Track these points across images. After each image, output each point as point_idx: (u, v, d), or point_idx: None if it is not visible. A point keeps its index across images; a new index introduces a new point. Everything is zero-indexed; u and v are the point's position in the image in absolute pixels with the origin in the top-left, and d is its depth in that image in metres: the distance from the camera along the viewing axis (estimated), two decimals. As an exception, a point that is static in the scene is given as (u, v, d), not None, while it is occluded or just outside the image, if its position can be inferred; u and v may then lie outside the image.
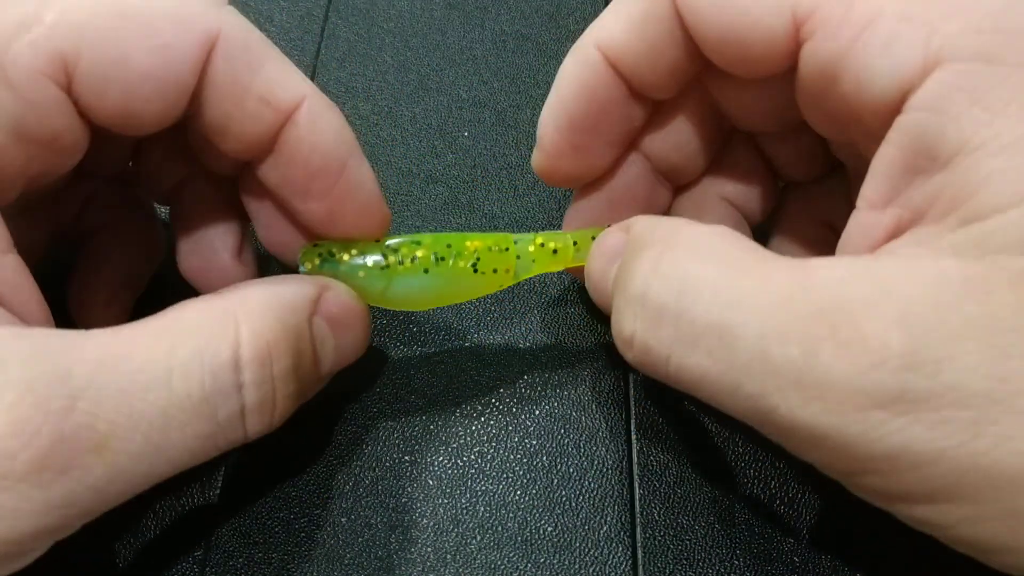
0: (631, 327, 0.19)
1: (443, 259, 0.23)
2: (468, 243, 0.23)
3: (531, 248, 0.24)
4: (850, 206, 0.19)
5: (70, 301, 0.24)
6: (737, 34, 0.19)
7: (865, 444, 0.15)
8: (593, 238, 0.23)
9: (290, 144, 0.21)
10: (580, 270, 0.24)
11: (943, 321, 0.15)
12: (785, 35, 0.18)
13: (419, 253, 0.23)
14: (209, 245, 0.24)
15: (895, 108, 0.17)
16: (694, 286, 0.18)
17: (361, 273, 0.23)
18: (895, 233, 0.18)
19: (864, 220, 0.18)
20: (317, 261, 0.23)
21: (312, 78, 0.31)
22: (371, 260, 0.23)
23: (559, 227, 0.27)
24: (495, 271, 0.23)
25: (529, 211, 0.29)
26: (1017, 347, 0.15)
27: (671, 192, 0.25)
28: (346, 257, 0.23)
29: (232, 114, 0.20)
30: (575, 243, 0.24)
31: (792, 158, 0.24)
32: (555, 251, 0.24)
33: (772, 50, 0.19)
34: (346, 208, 0.22)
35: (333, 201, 0.22)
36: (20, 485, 0.16)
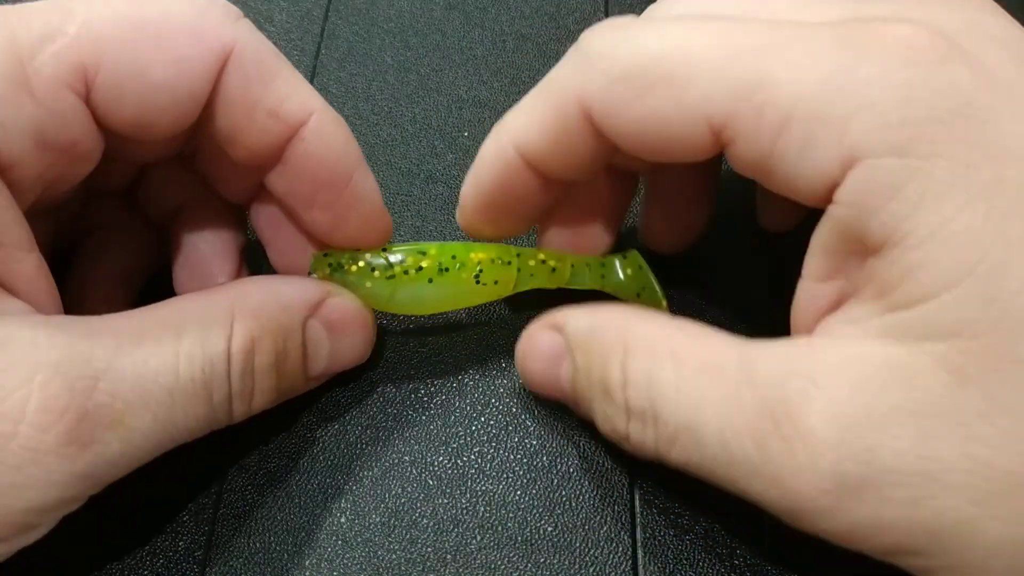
0: (624, 430, 0.21)
1: (447, 270, 0.24)
2: (472, 255, 0.24)
3: (531, 263, 0.24)
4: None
5: (69, 298, 0.24)
6: (658, 145, 0.19)
7: (823, 522, 0.17)
8: (588, 265, 0.25)
9: (297, 157, 0.22)
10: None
11: (871, 410, 0.16)
12: (705, 142, 0.19)
13: (424, 264, 0.23)
14: (206, 270, 0.24)
15: (825, 198, 0.18)
16: (660, 391, 0.19)
17: (368, 283, 0.24)
18: (838, 303, 0.19)
19: (809, 290, 0.19)
20: (327, 271, 0.24)
21: (312, 78, 0.31)
22: (377, 271, 0.23)
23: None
24: (496, 283, 0.24)
25: (529, 211, 0.29)
26: (944, 427, 0.16)
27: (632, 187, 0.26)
28: (354, 268, 0.24)
29: (242, 125, 0.21)
30: (573, 265, 0.25)
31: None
32: (553, 270, 0.25)
33: (695, 153, 0.19)
34: (350, 218, 0.23)
35: (337, 212, 0.23)
36: (50, 457, 0.18)
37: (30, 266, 0.20)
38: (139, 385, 0.19)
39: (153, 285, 0.26)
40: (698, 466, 0.19)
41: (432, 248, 0.24)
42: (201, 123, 0.21)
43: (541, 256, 0.24)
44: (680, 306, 0.26)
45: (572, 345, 0.22)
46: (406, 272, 0.23)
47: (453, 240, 0.27)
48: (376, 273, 0.23)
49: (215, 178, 0.24)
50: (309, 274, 0.24)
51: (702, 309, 0.26)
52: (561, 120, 0.20)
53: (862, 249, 0.17)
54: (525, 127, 0.21)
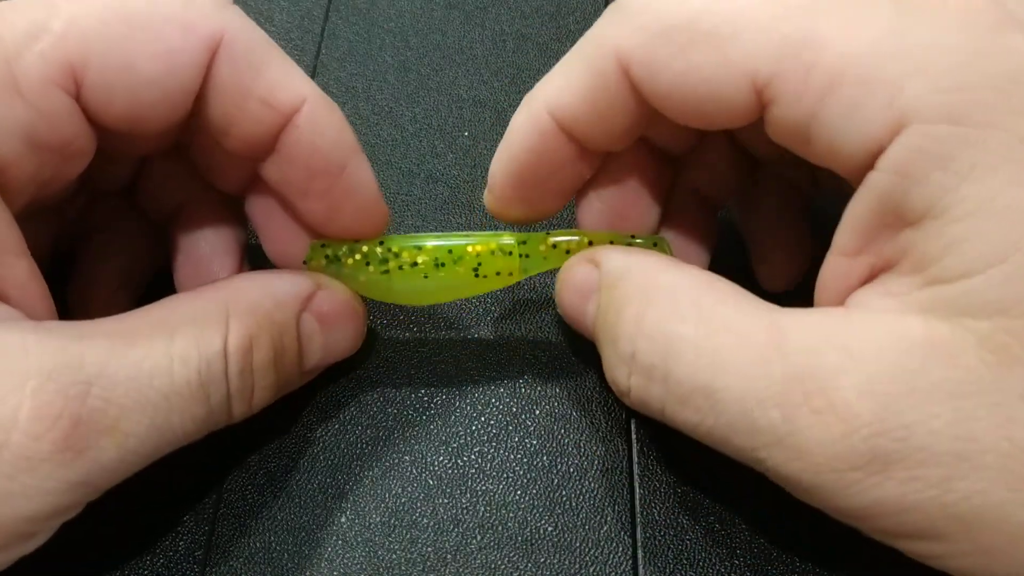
0: (626, 383, 0.20)
1: (443, 265, 0.23)
2: (470, 248, 0.23)
3: (542, 248, 0.24)
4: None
5: (71, 300, 0.24)
6: (698, 105, 0.19)
7: (843, 498, 0.17)
8: (612, 242, 0.23)
9: (291, 145, 0.21)
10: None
11: (910, 387, 0.16)
12: (747, 102, 0.18)
13: (420, 259, 0.23)
14: (207, 267, 0.24)
15: (866, 165, 0.17)
16: (678, 348, 0.19)
17: (362, 277, 0.23)
18: (868, 278, 0.18)
19: (837, 266, 0.19)
20: (323, 261, 0.23)
21: (312, 78, 0.31)
22: (372, 264, 0.23)
23: (558, 221, 0.28)
24: (498, 274, 0.23)
25: (529, 211, 0.29)
26: (982, 408, 0.16)
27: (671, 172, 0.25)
28: (350, 261, 0.23)
29: (234, 115, 0.21)
30: (590, 243, 0.24)
31: (760, 144, 0.24)
32: (568, 252, 0.24)
33: (735, 115, 0.19)
34: (345, 208, 0.22)
35: (332, 201, 0.22)
36: (44, 465, 0.17)
37: (22, 271, 0.19)
38: (134, 389, 0.19)
39: (155, 285, 0.26)
40: (711, 430, 0.18)
41: (429, 241, 0.23)
42: (194, 113, 0.21)
43: (551, 241, 0.24)
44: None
45: (602, 283, 0.21)
46: (401, 268, 0.23)
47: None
48: (371, 267, 0.23)
49: (210, 168, 0.24)
50: (305, 263, 0.24)
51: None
52: (598, 78, 0.20)
53: (898, 221, 0.17)
54: (559, 89, 0.21)
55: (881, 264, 0.18)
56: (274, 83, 0.21)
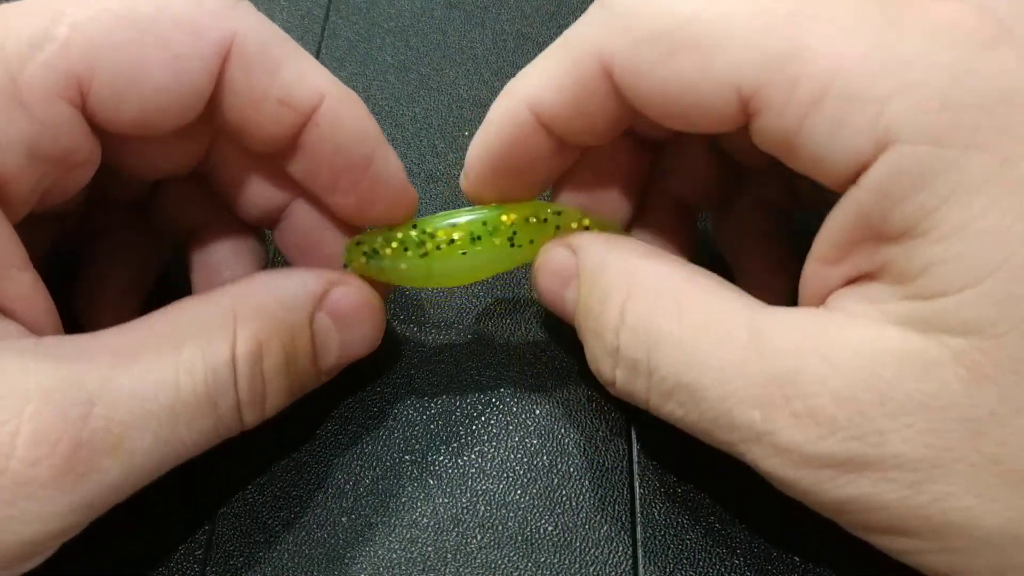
0: (611, 375, 0.20)
1: (479, 238, 0.23)
2: (504, 217, 0.23)
3: (574, 226, 0.23)
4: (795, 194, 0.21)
5: (77, 303, 0.24)
6: (681, 112, 0.19)
7: (819, 493, 0.17)
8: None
9: (314, 143, 0.21)
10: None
11: (886, 397, 0.16)
12: (732, 111, 0.18)
13: (456, 236, 0.22)
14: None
15: (850, 180, 0.17)
16: (660, 345, 0.19)
17: (403, 265, 0.23)
18: (848, 282, 0.18)
19: (816, 271, 0.19)
20: (363, 259, 0.23)
21: (312, 78, 0.31)
22: (411, 250, 0.23)
23: None
24: (531, 242, 0.23)
25: (529, 211, 0.29)
26: (955, 420, 0.16)
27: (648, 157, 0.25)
28: (388, 251, 0.23)
29: (251, 117, 0.20)
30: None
31: (742, 150, 0.23)
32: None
33: (719, 123, 0.19)
34: (375, 199, 0.22)
35: (362, 194, 0.22)
36: (44, 491, 0.17)
37: (25, 284, 0.19)
38: (137, 405, 0.18)
39: (160, 289, 0.26)
40: (694, 424, 0.19)
41: (462, 216, 0.23)
42: (211, 118, 0.20)
43: (586, 222, 0.23)
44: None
45: (580, 272, 0.21)
46: (439, 247, 0.22)
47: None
48: (409, 253, 0.23)
49: (232, 198, 0.23)
50: (344, 266, 0.23)
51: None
52: (580, 78, 0.20)
53: (878, 236, 0.17)
54: (540, 85, 0.20)
55: (859, 275, 0.18)
56: (291, 82, 0.20)
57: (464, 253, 0.23)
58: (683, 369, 0.18)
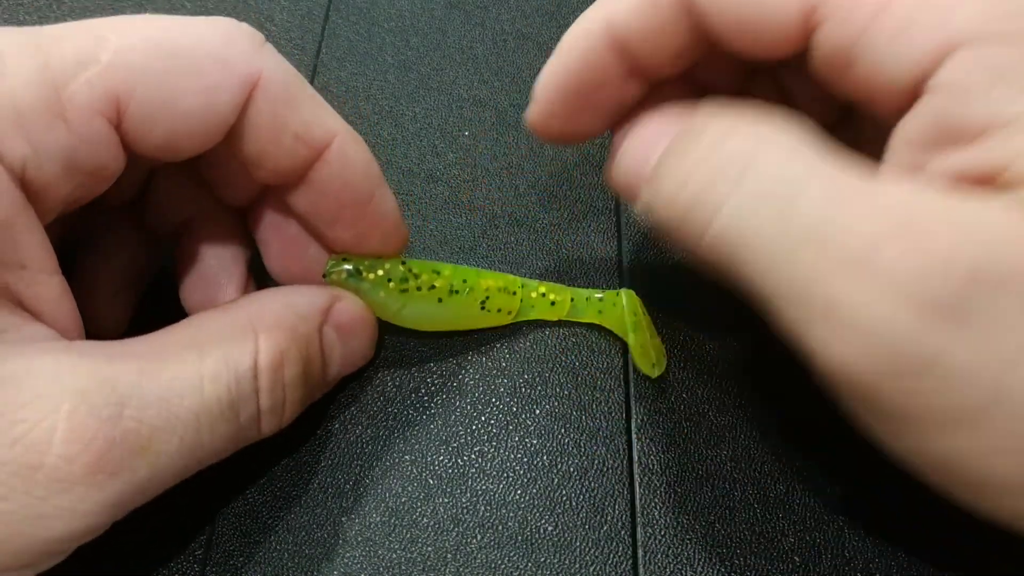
0: (718, 204, 0.18)
1: (457, 292, 0.25)
2: (483, 281, 0.25)
3: (533, 295, 0.26)
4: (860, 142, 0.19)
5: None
6: (749, 23, 0.19)
7: (909, 341, 0.15)
8: (587, 299, 0.26)
9: (322, 179, 0.22)
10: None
11: (1010, 253, 0.15)
12: (797, 23, 0.18)
13: (437, 283, 0.24)
14: (214, 280, 0.25)
15: (913, 90, 0.17)
16: (799, 185, 0.17)
17: (382, 293, 0.24)
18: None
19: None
20: (344, 275, 0.24)
21: (313, 77, 0.31)
22: (393, 282, 0.24)
23: (559, 222, 0.28)
24: (499, 311, 0.25)
25: (529, 210, 0.29)
26: None
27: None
28: (371, 276, 0.24)
29: (268, 149, 0.22)
30: (572, 300, 0.26)
31: (797, 94, 0.23)
32: (553, 303, 0.26)
33: (784, 37, 0.19)
34: (372, 233, 0.24)
35: (360, 228, 0.23)
36: (78, 487, 0.18)
37: (55, 289, 0.20)
38: (165, 409, 0.19)
39: (153, 291, 0.26)
40: (767, 242, 0.17)
41: (447, 269, 0.25)
42: (221, 146, 0.21)
43: (542, 289, 0.26)
44: (672, 345, 0.26)
45: (694, 125, 0.19)
46: (419, 288, 0.24)
47: (462, 264, 0.28)
48: (391, 284, 0.24)
49: (219, 181, 0.24)
50: (324, 275, 0.24)
51: (700, 346, 0.26)
52: None
53: (953, 142, 0.17)
54: (618, 3, 0.21)
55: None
56: (307, 120, 0.22)
57: (440, 301, 0.24)
58: (822, 207, 0.16)
